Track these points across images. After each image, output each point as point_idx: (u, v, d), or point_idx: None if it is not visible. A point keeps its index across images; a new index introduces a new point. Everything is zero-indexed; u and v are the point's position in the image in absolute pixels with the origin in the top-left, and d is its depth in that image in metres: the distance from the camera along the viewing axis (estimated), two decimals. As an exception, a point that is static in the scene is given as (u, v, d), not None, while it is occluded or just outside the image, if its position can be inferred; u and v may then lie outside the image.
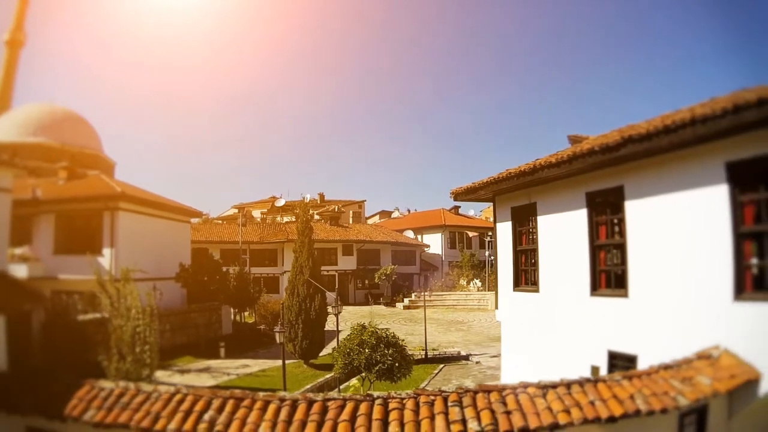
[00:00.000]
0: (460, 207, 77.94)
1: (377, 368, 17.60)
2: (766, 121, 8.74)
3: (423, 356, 28.88)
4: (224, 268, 35.83)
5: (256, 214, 78.65)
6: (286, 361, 21.81)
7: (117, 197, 27.98)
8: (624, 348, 11.80)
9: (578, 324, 13.41)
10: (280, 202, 75.89)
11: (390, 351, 17.18)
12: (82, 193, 28.36)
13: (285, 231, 57.96)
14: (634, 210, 11.87)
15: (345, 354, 17.85)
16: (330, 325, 30.12)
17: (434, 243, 70.27)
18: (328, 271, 49.38)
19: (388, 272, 56.62)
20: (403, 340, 18.89)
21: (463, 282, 60.59)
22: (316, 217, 64.73)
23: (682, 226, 10.69)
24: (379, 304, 55.77)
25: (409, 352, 19.28)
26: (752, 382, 9.09)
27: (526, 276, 16.22)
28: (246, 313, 40.22)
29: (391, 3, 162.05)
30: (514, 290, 16.44)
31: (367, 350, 17.15)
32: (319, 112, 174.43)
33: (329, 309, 29.08)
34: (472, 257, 63.07)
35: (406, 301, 53.96)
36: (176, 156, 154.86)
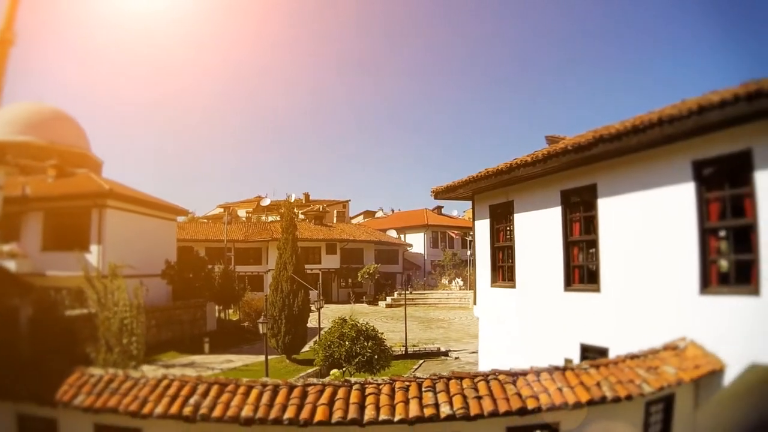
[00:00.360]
0: (443, 207, 78.34)
1: (357, 360, 17.83)
2: (730, 122, 9.05)
3: (403, 352, 29.09)
4: (209, 266, 35.93)
5: (242, 213, 78.55)
6: (269, 357, 21.95)
7: (105, 195, 28.03)
8: (596, 341, 12.06)
9: (552, 318, 13.68)
10: (266, 202, 75.85)
11: (369, 343, 17.44)
12: (70, 190, 28.31)
13: (270, 230, 58.04)
14: (607, 207, 12.16)
15: (326, 347, 18.07)
16: (312, 322, 30.27)
17: (417, 242, 70.46)
18: (311, 269, 49.39)
19: (371, 271, 56.80)
20: (382, 333, 19.10)
21: (445, 281, 60.89)
22: (301, 216, 64.79)
23: (652, 222, 11.00)
24: (362, 302, 55.90)
25: (389, 346, 19.50)
26: (717, 373, 9.37)
27: (503, 272, 16.43)
28: (230, 311, 40.31)
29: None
30: (491, 286, 16.70)
31: (347, 343, 17.38)
32: (306, 113, 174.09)
33: (312, 307, 29.27)
34: (454, 256, 63.35)
35: (389, 299, 54.14)
36: (162, 156, 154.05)
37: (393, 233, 70.06)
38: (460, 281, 59.03)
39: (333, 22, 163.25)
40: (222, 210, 72.09)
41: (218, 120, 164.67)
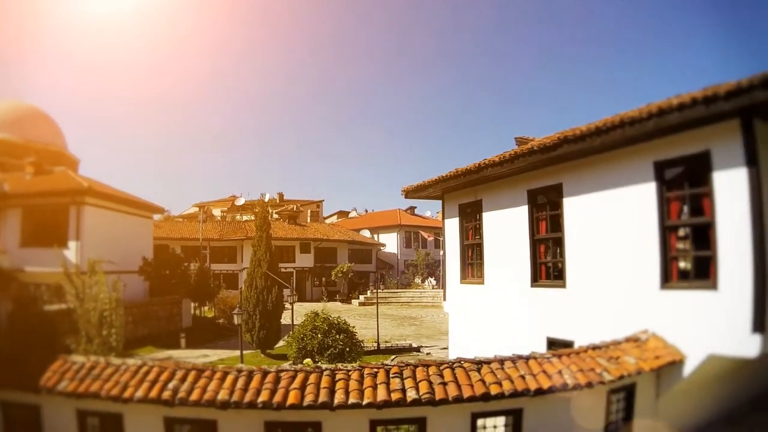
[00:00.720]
0: (416, 208, 78.54)
1: (329, 352, 18.00)
2: (690, 124, 9.30)
3: (376, 348, 29.18)
4: (185, 264, 35.85)
5: (217, 212, 78.28)
6: (244, 351, 21.98)
7: (83, 192, 27.98)
8: (561, 335, 12.28)
9: (520, 313, 13.91)
10: (240, 201, 75.68)
11: (341, 336, 17.61)
12: (49, 187, 28.26)
13: (244, 229, 57.90)
14: (572, 206, 12.43)
15: (299, 339, 18.20)
16: (286, 319, 30.27)
17: (390, 242, 70.58)
18: (285, 268, 49.35)
19: (344, 270, 56.79)
20: (353, 327, 19.24)
21: (417, 280, 61.07)
22: (275, 215, 64.68)
23: (615, 220, 11.28)
24: (336, 300, 55.90)
25: (360, 340, 19.64)
26: (677, 364, 9.67)
27: (472, 269, 16.64)
28: (206, 308, 40.19)
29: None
30: (460, 283, 16.90)
31: (319, 335, 17.54)
32: (280, 114, 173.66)
33: (286, 304, 29.31)
34: (427, 256, 63.53)
35: (362, 297, 54.21)
36: (137, 155, 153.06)
37: (366, 233, 70.19)
38: (432, 280, 59.20)
39: (308, 23, 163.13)
40: (197, 209, 71.68)
41: (193, 120, 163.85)
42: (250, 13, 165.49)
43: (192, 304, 36.55)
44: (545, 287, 13.27)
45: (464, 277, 16.82)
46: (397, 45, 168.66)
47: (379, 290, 46.16)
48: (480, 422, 8.35)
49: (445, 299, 17.89)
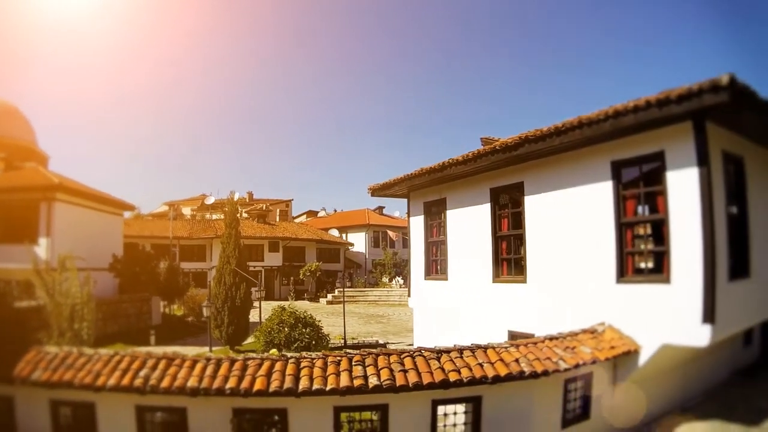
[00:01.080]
0: (384, 207, 78.65)
1: (296, 345, 18.19)
2: (644, 126, 9.62)
3: (342, 344, 29.30)
4: (155, 261, 35.62)
5: (187, 211, 77.71)
6: (213, 348, 21.95)
7: (54, 188, 27.67)
8: (522, 328, 12.54)
9: (482, 308, 14.15)
10: (210, 200, 75.12)
11: (307, 330, 17.77)
12: (19, 183, 27.89)
13: (214, 228, 57.60)
14: (533, 204, 12.72)
15: (267, 333, 18.31)
16: (254, 317, 30.22)
17: (358, 242, 70.60)
18: (254, 266, 49.18)
19: (312, 269, 56.76)
20: (319, 321, 19.39)
21: (385, 279, 61.14)
22: (245, 214, 64.44)
23: (574, 217, 11.60)
24: (304, 299, 55.83)
25: (326, 334, 19.78)
26: (633, 354, 10.02)
27: (436, 265, 16.88)
28: (175, 306, 39.96)
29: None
30: (425, 279, 17.13)
31: (286, 329, 17.65)
32: (250, 113, 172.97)
33: (255, 303, 29.34)
34: (394, 255, 63.66)
35: (330, 296, 54.18)
36: (107, 153, 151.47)
37: (335, 232, 70.14)
38: (400, 279, 59.27)
39: (276, 23, 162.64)
40: (167, 207, 71.17)
41: (162, 119, 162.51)
42: (218, 12, 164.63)
43: (161, 303, 36.36)
44: (507, 282, 13.53)
45: (428, 273, 17.04)
46: (364, 45, 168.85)
47: (346, 289, 46.23)
48: (440, 409, 8.55)
49: (409, 295, 18.10)
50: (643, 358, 9.99)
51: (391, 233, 68.87)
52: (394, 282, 59.83)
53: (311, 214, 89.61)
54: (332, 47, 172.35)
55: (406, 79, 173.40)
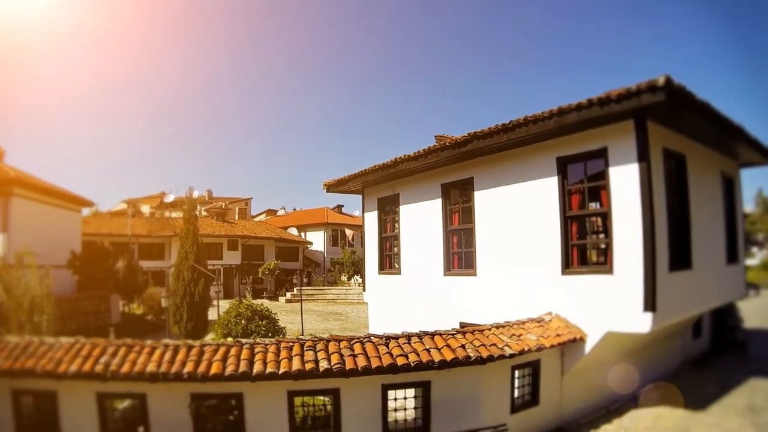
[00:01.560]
0: (343, 206, 78.54)
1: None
2: (588, 123, 9.97)
3: (300, 340, 29.28)
4: (113, 259, 35.19)
5: (146, 209, 76.83)
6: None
7: (11, 182, 26.90)
8: (473, 319, 12.70)
9: (434, 300, 14.35)
10: (169, 198, 74.34)
11: (264, 322, 17.70)
12: (-26, 177, 27.33)
13: (173, 226, 57.01)
14: (482, 199, 12.96)
15: (224, 325, 18.28)
16: (213, 315, 30.08)
17: (317, 240, 70.40)
18: (213, 265, 48.87)
19: (271, 267, 56.54)
20: (275, 314, 19.40)
21: (344, 278, 61.11)
22: (204, 213, 63.93)
23: (522, 212, 11.88)
24: (263, 297, 55.59)
25: (283, 327, 19.81)
26: (579, 342, 10.35)
27: (390, 260, 17.08)
28: (134, 305, 39.54)
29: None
30: (379, 273, 17.29)
31: (243, 321, 17.61)
32: (208, 112, 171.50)
33: (214, 302, 29.19)
34: (353, 254, 63.65)
35: (289, 294, 54.05)
36: (65, 150, 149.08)
37: (294, 231, 69.92)
38: (359, 278, 59.32)
39: (228, 24, 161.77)
40: (126, 205, 70.31)
41: (120, 117, 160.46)
42: (174, 12, 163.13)
43: (120, 302, 35.94)
44: (458, 276, 13.76)
45: (382, 268, 17.21)
46: (320, 43, 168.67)
47: (306, 287, 46.20)
48: (390, 394, 8.72)
49: (364, 290, 18.23)
50: (589, 345, 10.30)
51: (348, 231, 68.86)
52: (353, 281, 59.88)
53: (271, 212, 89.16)
54: (285, 46, 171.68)
55: (372, 78, 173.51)
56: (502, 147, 11.81)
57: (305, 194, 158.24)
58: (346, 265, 62.79)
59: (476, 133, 11.71)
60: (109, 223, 58.09)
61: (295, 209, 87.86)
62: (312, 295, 50.88)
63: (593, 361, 10.68)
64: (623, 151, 9.75)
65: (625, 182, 9.72)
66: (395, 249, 16.60)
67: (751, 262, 63.79)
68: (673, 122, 10.62)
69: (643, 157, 9.45)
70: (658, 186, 10.00)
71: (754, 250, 74.00)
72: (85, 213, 42.72)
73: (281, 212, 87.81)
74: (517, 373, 9.83)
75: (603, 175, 10.16)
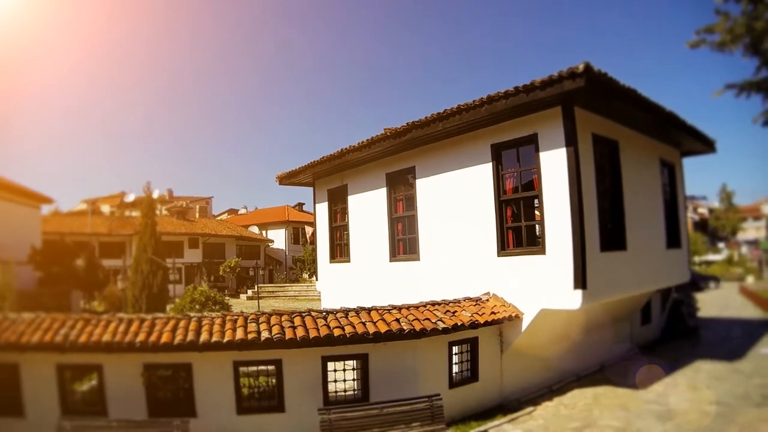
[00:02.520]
0: (304, 204, 78.38)
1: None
2: (518, 110, 10.42)
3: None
4: (74, 256, 34.93)
5: (105, 208, 75.99)
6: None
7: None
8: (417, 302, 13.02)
9: (381, 285, 14.73)
10: (130, 198, 73.68)
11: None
12: (-69, 172, 27.02)
13: (133, 225, 56.59)
14: (423, 186, 13.37)
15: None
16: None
17: (278, 238, 70.24)
18: (174, 263, 48.69)
19: (232, 265, 56.41)
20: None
21: (305, 275, 61.13)
22: (165, 212, 63.50)
23: (460, 198, 12.29)
24: (224, 295, 55.41)
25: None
26: (515, 320, 10.75)
27: (340, 249, 17.38)
28: (95, 302, 39.23)
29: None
30: (330, 262, 17.60)
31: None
32: (168, 111, 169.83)
33: (175, 300, 29.21)
34: (313, 251, 63.53)
35: (250, 292, 53.98)
36: (24, 151, 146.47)
37: (255, 229, 69.75)
38: (321, 275, 59.36)
39: (191, 22, 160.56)
40: (86, 205, 69.56)
41: (83, 116, 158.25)
42: (137, 8, 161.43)
43: (81, 300, 35.66)
44: (402, 261, 14.15)
45: (333, 257, 17.52)
46: (282, 37, 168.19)
47: (267, 284, 46.19)
48: (330, 365, 9.17)
49: (317, 279, 18.49)
50: (525, 323, 10.72)
51: (309, 229, 68.85)
52: (313, 278, 59.93)
53: (232, 212, 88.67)
54: (249, 42, 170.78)
55: (327, 80, 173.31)
56: (440, 136, 12.21)
57: (267, 193, 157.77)
58: (307, 262, 62.83)
59: (414, 122, 12.08)
60: (70, 222, 57.40)
61: (257, 208, 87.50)
62: (273, 292, 50.89)
63: (533, 340, 11.08)
64: (552, 137, 10.16)
65: (554, 166, 10.13)
66: (345, 238, 16.91)
67: (716, 257, 65.24)
68: (604, 109, 11.06)
69: (571, 142, 9.86)
70: (587, 170, 10.43)
71: (720, 245, 75.49)
72: (45, 212, 42.25)
73: (243, 211, 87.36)
74: (455, 349, 10.19)
75: (534, 160, 10.54)
